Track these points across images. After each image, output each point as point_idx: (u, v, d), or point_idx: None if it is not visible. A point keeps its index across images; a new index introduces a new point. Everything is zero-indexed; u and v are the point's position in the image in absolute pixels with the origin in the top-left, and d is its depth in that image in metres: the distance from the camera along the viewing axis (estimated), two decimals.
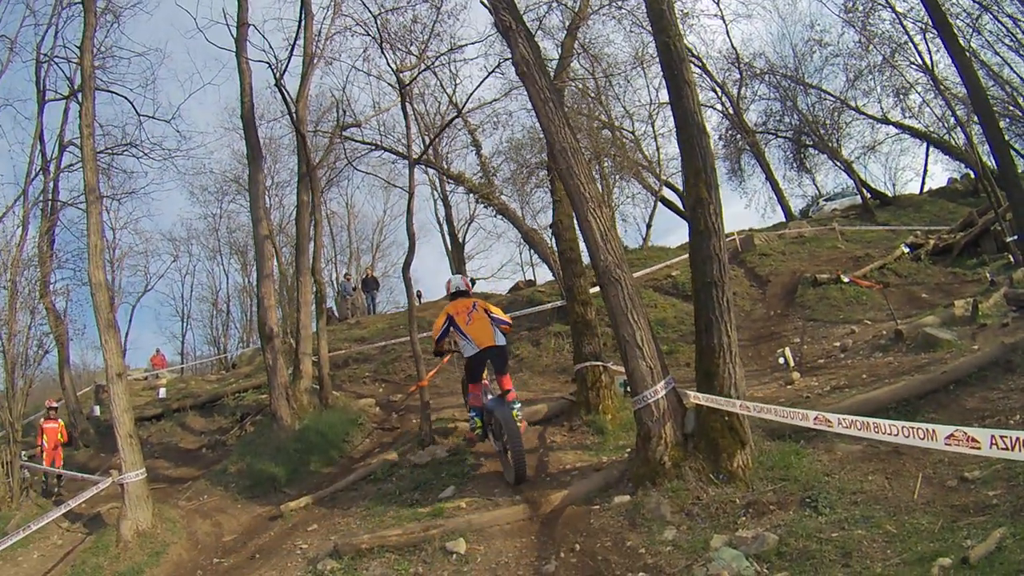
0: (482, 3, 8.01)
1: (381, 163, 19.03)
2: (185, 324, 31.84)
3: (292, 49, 11.70)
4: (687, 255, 17.58)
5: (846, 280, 14.12)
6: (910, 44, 19.95)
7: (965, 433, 3.52)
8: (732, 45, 26.34)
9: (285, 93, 11.78)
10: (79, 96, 12.49)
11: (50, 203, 16.06)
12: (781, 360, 10.27)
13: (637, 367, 6.55)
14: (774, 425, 6.85)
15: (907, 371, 8.29)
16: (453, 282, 8.70)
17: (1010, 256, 13.97)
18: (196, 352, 31.55)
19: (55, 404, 12.89)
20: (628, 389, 7.53)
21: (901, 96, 23.11)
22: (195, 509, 9.61)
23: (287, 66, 11.59)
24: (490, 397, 8.30)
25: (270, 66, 11.12)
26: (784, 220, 25.99)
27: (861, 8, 20.11)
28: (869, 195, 25.35)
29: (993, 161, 14.09)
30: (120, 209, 22.82)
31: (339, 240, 31.43)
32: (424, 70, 10.81)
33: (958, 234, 16.13)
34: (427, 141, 15.44)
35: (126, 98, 14.88)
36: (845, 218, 23.73)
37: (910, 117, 24.09)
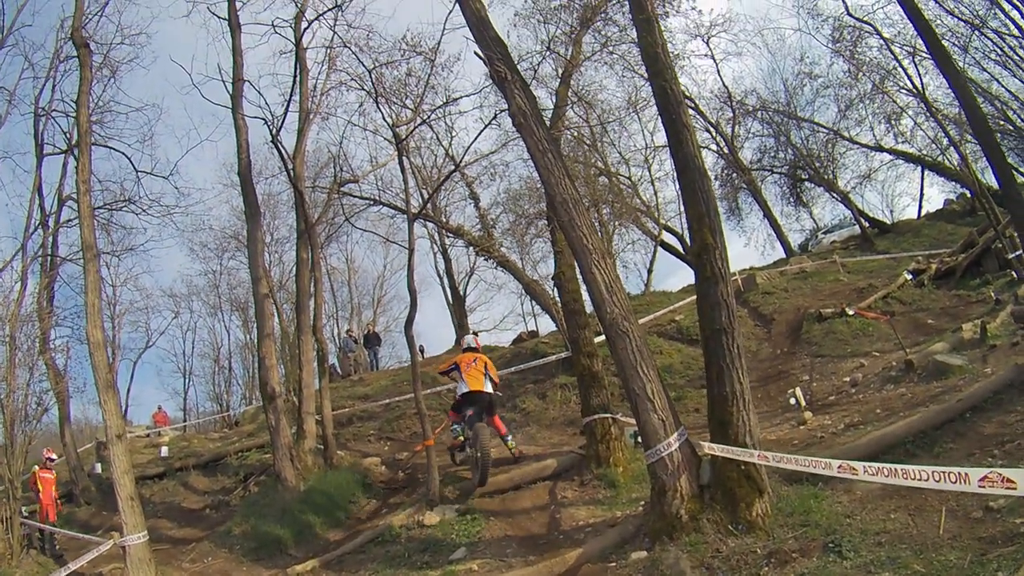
0: (476, 55, 8.06)
1: (380, 218, 19.11)
2: (187, 381, 31.47)
3: (288, 105, 11.79)
4: (690, 299, 17.60)
5: (851, 313, 13.97)
6: (899, 69, 20.06)
7: (1000, 475, 3.48)
8: (724, 84, 26.78)
9: (282, 149, 11.83)
10: (76, 151, 12.65)
11: (49, 258, 15.94)
12: (792, 400, 10.08)
13: (649, 420, 6.46)
14: (789, 469, 6.73)
15: (921, 402, 8.20)
16: (467, 340, 11.30)
17: (1013, 272, 13.86)
18: (199, 409, 31.31)
19: (53, 455, 12.76)
20: (638, 440, 7.46)
21: (893, 121, 23.27)
22: (199, 572, 9.48)
23: (283, 122, 11.60)
24: (469, 413, 9.71)
25: (266, 122, 11.19)
26: (784, 256, 25.96)
27: (848, 37, 20.23)
28: (867, 224, 25.36)
29: (993, 179, 14.07)
30: (120, 265, 22.73)
31: (340, 295, 31.24)
32: (420, 124, 10.89)
33: (959, 256, 15.94)
34: (425, 195, 15.53)
35: (124, 154, 14.89)
36: (845, 249, 23.65)
37: (903, 142, 24.26)
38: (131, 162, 14.65)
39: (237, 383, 30.61)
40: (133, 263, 28.11)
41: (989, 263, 15.16)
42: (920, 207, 27.70)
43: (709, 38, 23.55)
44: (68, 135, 15.68)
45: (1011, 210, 8.97)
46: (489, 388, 9.85)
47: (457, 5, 8.20)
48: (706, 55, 24.72)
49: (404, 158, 10.48)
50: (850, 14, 18.62)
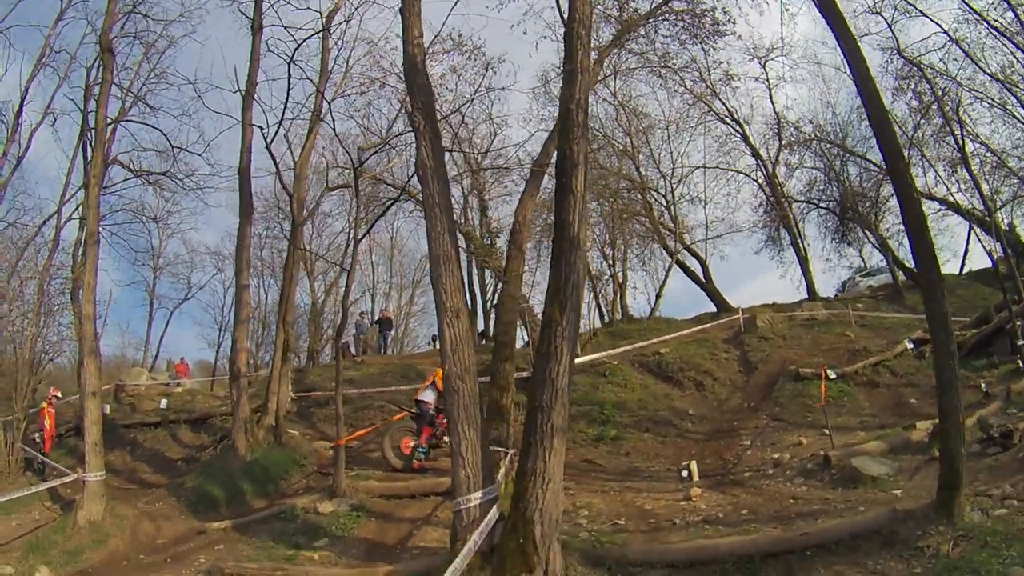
0: (400, 102, 8.54)
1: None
2: (222, 334, 31.49)
3: (283, 112, 12.32)
4: (683, 331, 17.22)
5: (832, 376, 13.35)
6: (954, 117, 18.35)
7: None
8: (775, 111, 25.63)
9: (275, 157, 12.66)
10: (113, 124, 14.23)
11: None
12: (684, 473, 10.07)
13: (457, 474, 6.96)
14: (600, 552, 7.02)
15: (798, 513, 7.77)
16: None
17: (1019, 360, 12.48)
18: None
19: (59, 394, 14.70)
20: None
21: (958, 168, 21.12)
22: (147, 512, 10.87)
23: (276, 131, 12.18)
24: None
25: (263, 133, 11.85)
26: (808, 297, 24.69)
27: (916, 75, 18.59)
28: (903, 275, 23.58)
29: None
30: (168, 219, 25.21)
31: (379, 271, 31.99)
32: (376, 151, 11.38)
33: (970, 331, 14.69)
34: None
35: (160, 130, 16.40)
36: (872, 299, 22.43)
37: (960, 192, 22.32)
38: (167, 138, 16.03)
39: (269, 344, 30.04)
40: (180, 219, 28.03)
41: (1001, 344, 13.72)
42: (963, 263, 25.75)
43: (766, 61, 22.59)
44: (122, 99, 16.49)
45: (925, 296, 7.87)
46: (425, 396, 11.55)
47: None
48: (757, 79, 23.77)
49: (359, 181, 10.96)
50: (900, 54, 17.20)
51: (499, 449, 9.91)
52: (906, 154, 22.88)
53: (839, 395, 13.14)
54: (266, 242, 27.27)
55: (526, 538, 6.28)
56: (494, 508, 6.89)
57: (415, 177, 8.71)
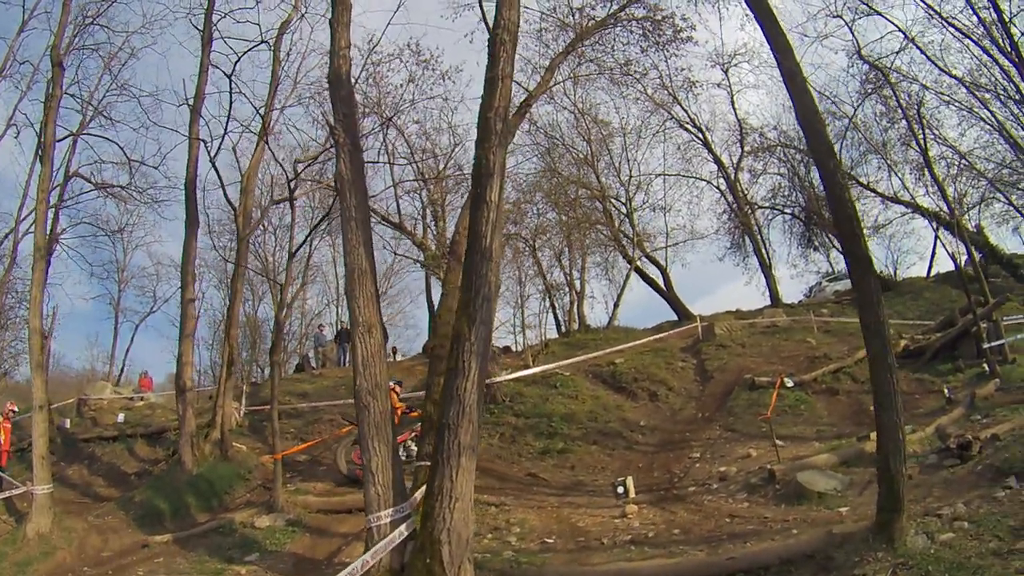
0: (322, 114, 8.50)
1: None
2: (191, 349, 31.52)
3: (227, 126, 12.37)
4: (639, 341, 17.02)
5: (789, 385, 13.19)
6: (916, 121, 18.31)
7: None
8: (737, 117, 25.71)
9: (219, 172, 12.61)
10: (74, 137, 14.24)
11: (49, 233, 16.99)
12: (620, 489, 9.86)
13: (368, 491, 6.94)
14: (516, 573, 6.93)
15: (732, 534, 7.38)
16: None
17: (985, 365, 12.47)
18: (202, 376, 31.63)
19: (15, 408, 14.51)
20: None
21: (925, 172, 21.05)
22: (96, 525, 10.89)
23: (219, 146, 12.24)
24: None
25: (206, 145, 11.82)
26: (771, 303, 24.60)
27: (878, 80, 18.54)
28: None
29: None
30: (132, 232, 25.01)
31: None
32: (310, 164, 11.31)
33: (935, 334, 14.56)
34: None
35: (118, 144, 16.23)
36: (838, 304, 22.23)
37: (927, 195, 22.35)
38: (124, 151, 15.97)
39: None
40: (145, 231, 28.02)
41: (966, 347, 13.71)
42: (930, 266, 26.10)
43: (728, 68, 22.66)
44: (82, 111, 16.43)
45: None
46: None
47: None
48: (719, 84, 24.10)
49: (293, 198, 10.88)
50: (862, 58, 17.17)
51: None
52: (869, 158, 23.51)
53: (796, 404, 12.95)
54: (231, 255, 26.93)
55: (433, 558, 6.18)
56: (403, 526, 6.84)
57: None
